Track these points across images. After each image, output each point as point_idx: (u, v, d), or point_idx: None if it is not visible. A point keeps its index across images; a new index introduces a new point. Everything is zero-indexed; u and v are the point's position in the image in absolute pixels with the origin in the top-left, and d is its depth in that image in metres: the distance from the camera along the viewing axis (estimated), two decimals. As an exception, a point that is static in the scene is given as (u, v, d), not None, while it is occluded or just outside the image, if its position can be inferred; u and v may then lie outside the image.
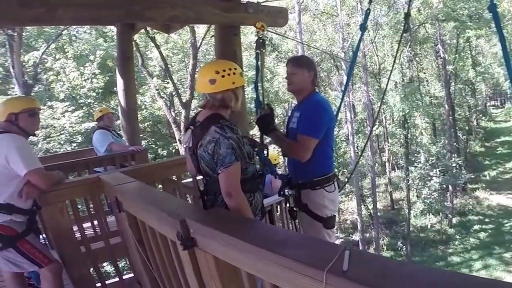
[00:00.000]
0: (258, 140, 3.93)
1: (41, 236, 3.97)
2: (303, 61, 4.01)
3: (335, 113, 4.32)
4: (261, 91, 4.50)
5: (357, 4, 27.43)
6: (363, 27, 4.69)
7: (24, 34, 18.20)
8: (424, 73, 33.39)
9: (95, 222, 5.18)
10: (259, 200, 3.24)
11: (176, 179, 5.21)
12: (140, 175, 4.03)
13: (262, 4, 6.19)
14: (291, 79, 3.92)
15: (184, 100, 20.14)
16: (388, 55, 31.39)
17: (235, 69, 3.00)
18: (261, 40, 4.27)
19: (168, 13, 5.53)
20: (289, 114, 4.27)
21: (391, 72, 7.73)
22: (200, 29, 20.18)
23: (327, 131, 3.80)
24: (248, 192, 3.03)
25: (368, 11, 4.76)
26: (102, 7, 5.28)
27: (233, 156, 2.80)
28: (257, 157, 3.52)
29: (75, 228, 4.21)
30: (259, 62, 4.34)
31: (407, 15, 4.98)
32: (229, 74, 2.94)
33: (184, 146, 3.25)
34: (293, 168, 4.06)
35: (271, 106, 4.20)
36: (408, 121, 31.18)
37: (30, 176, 3.49)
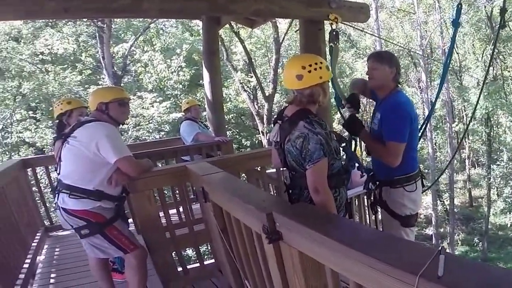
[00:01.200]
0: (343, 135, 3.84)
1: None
2: (384, 57, 3.81)
3: (427, 112, 4.09)
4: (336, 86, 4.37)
5: (434, 2, 26.39)
6: (456, 23, 4.42)
7: (113, 26, 18.92)
8: (509, 71, 31.59)
9: (180, 209, 5.29)
10: (344, 196, 3.20)
11: (260, 169, 5.23)
12: (226, 165, 4.03)
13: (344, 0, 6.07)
14: (372, 74, 3.79)
15: (267, 94, 20.21)
16: (469, 53, 30.11)
17: (321, 62, 2.92)
18: (334, 33, 4.10)
19: (252, 7, 5.52)
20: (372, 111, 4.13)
21: (488, 69, 7.18)
22: (282, 24, 20.12)
23: (410, 132, 3.63)
24: (334, 188, 2.98)
25: (460, 6, 4.50)
26: (187, 0, 5.37)
27: (322, 151, 2.77)
28: (343, 152, 3.45)
29: (161, 214, 4.29)
30: (333, 56, 4.17)
31: (503, 11, 4.66)
32: (315, 69, 2.86)
33: (271, 139, 3.23)
34: (375, 165, 3.96)
35: (356, 96, 4.09)
36: (491, 119, 29.63)
37: (120, 164, 3.56)
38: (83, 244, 3.75)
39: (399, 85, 3.86)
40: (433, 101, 4.65)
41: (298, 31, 6.99)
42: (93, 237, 3.59)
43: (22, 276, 4.58)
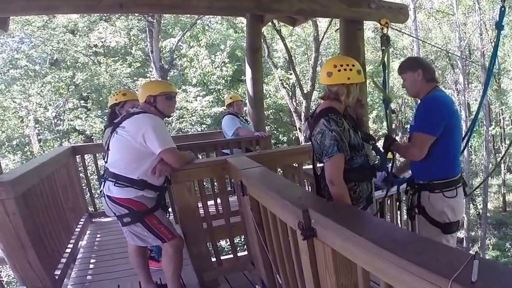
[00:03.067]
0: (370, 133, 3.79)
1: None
2: (404, 65, 3.79)
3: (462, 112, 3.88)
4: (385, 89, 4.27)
5: (474, 3, 25.38)
6: (500, 26, 4.22)
7: (162, 21, 19.14)
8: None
9: (218, 201, 5.31)
10: (365, 190, 3.28)
11: (297, 166, 5.20)
12: (264, 160, 4.04)
13: (383, 0, 5.98)
14: (405, 86, 3.80)
15: (305, 91, 20.06)
16: (508, 55, 28.89)
17: (353, 65, 3.07)
18: (385, 37, 4.07)
19: (295, 6, 5.52)
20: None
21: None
22: (322, 23, 20.00)
23: (447, 129, 3.45)
24: (353, 181, 3.15)
25: (503, 8, 4.31)
26: None
27: (335, 147, 2.95)
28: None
29: (199, 204, 4.31)
30: (385, 59, 4.12)
31: None
32: (345, 70, 3.04)
33: (304, 135, 3.36)
34: (414, 167, 3.80)
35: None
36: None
37: (164, 155, 3.60)
38: (124, 231, 3.82)
39: (437, 83, 3.72)
40: (477, 107, 4.46)
41: (338, 30, 6.95)
42: (134, 225, 3.66)
43: (63, 260, 4.69)
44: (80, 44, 18.36)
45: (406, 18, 6.37)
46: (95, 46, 18.53)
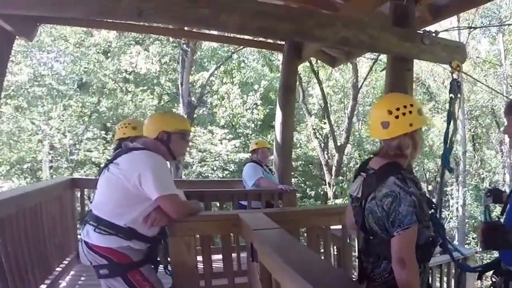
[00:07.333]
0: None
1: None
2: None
3: None
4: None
5: None
6: None
7: (198, 53, 19.10)
8: None
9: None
10: (428, 273, 2.74)
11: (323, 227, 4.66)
12: (285, 220, 3.64)
13: (438, 36, 5.42)
14: (508, 132, 3.09)
15: (338, 144, 19.72)
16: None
17: (412, 105, 2.46)
18: (457, 83, 3.49)
19: (340, 33, 5.02)
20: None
21: None
22: (363, 68, 19.97)
23: None
24: (419, 262, 2.45)
25: None
26: (270, 16, 4.87)
27: (414, 216, 2.34)
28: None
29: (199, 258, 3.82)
30: (452, 109, 3.51)
31: None
32: (404, 114, 2.42)
33: (352, 194, 2.70)
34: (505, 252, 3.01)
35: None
36: None
37: (161, 202, 3.15)
38: (101, 283, 3.33)
39: None
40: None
41: (384, 70, 6.45)
42: (112, 279, 3.19)
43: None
44: (110, 68, 18.51)
45: (463, 58, 5.73)
46: (125, 71, 18.66)
